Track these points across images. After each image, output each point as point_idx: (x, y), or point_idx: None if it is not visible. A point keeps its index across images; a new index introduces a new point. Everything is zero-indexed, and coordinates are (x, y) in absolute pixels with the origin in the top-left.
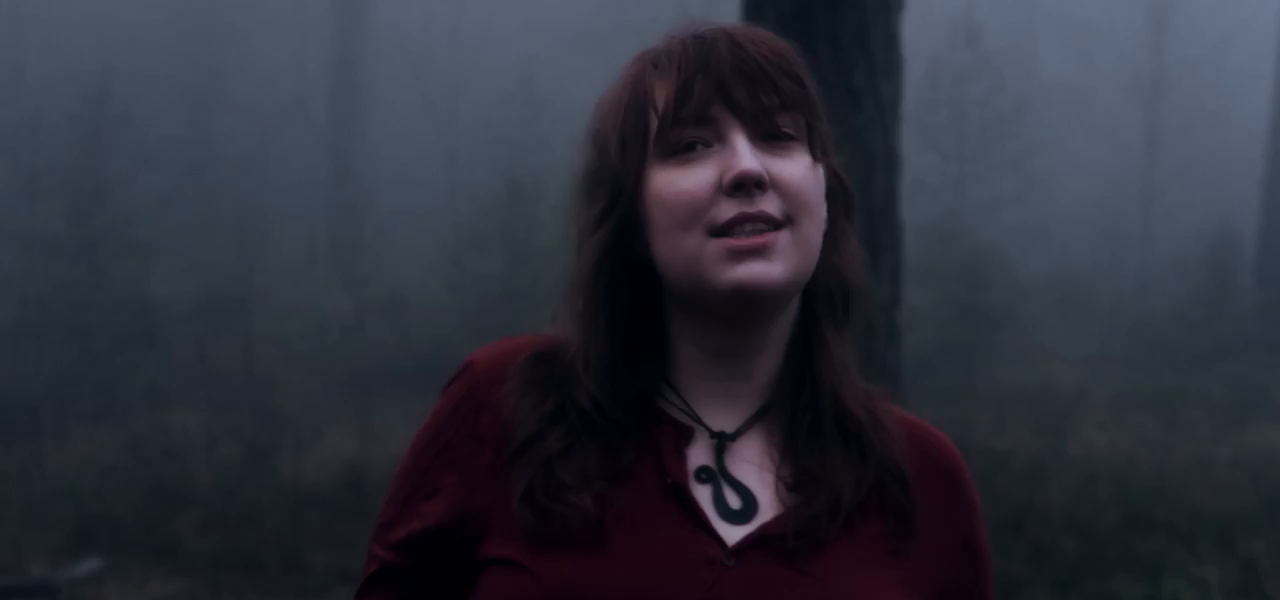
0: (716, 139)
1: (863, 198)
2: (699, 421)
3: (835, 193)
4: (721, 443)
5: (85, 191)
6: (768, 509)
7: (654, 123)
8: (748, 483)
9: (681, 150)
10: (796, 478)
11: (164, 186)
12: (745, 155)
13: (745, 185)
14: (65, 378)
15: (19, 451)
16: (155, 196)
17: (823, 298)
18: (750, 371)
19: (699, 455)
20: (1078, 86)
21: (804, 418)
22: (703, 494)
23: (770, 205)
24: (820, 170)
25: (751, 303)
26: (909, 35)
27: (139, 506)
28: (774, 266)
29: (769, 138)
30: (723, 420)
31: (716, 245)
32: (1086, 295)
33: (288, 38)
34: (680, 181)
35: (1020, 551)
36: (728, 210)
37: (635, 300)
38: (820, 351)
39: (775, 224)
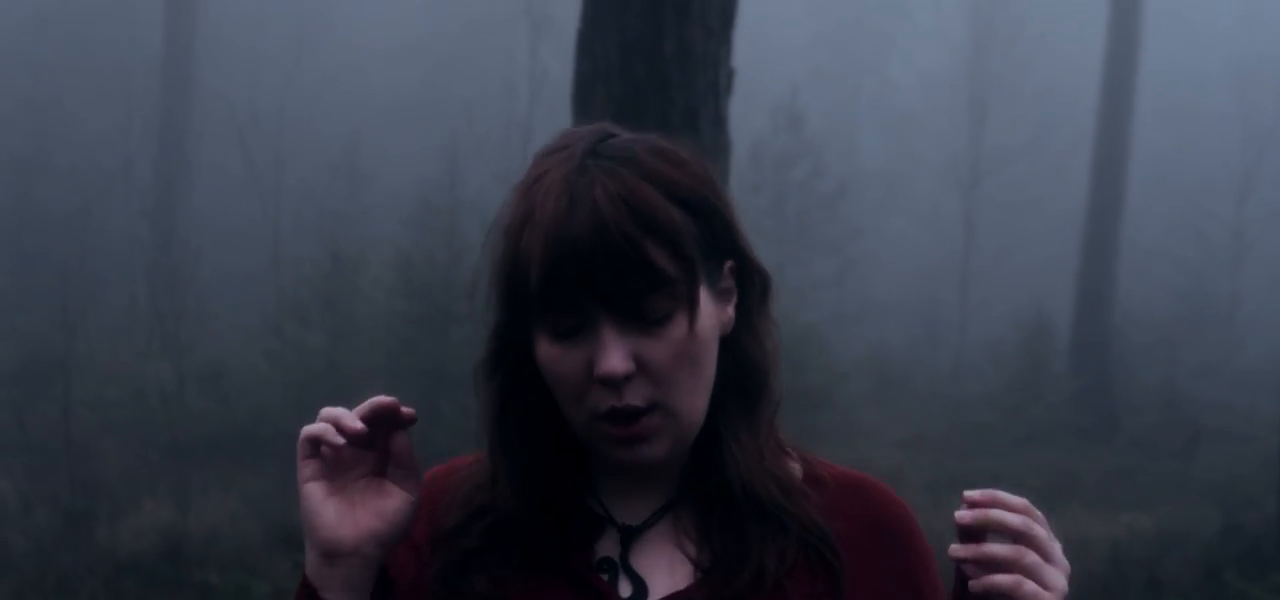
0: (587, 323)
1: None
2: (609, 516)
3: (745, 277)
4: (627, 536)
5: None
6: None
7: (532, 291)
8: (648, 573)
9: (558, 328)
10: (713, 563)
11: None
12: (610, 353)
13: (611, 383)
14: None
15: None
16: None
17: (728, 384)
18: (649, 469)
19: (606, 548)
20: (897, 173)
21: (715, 507)
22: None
23: (636, 395)
24: (701, 323)
25: (641, 472)
26: (732, 118)
27: None
28: (653, 447)
29: (639, 318)
30: (632, 512)
31: (601, 428)
32: (903, 379)
33: (112, 103)
34: (558, 365)
35: None
36: (603, 401)
37: (550, 405)
38: (727, 439)
39: (643, 413)
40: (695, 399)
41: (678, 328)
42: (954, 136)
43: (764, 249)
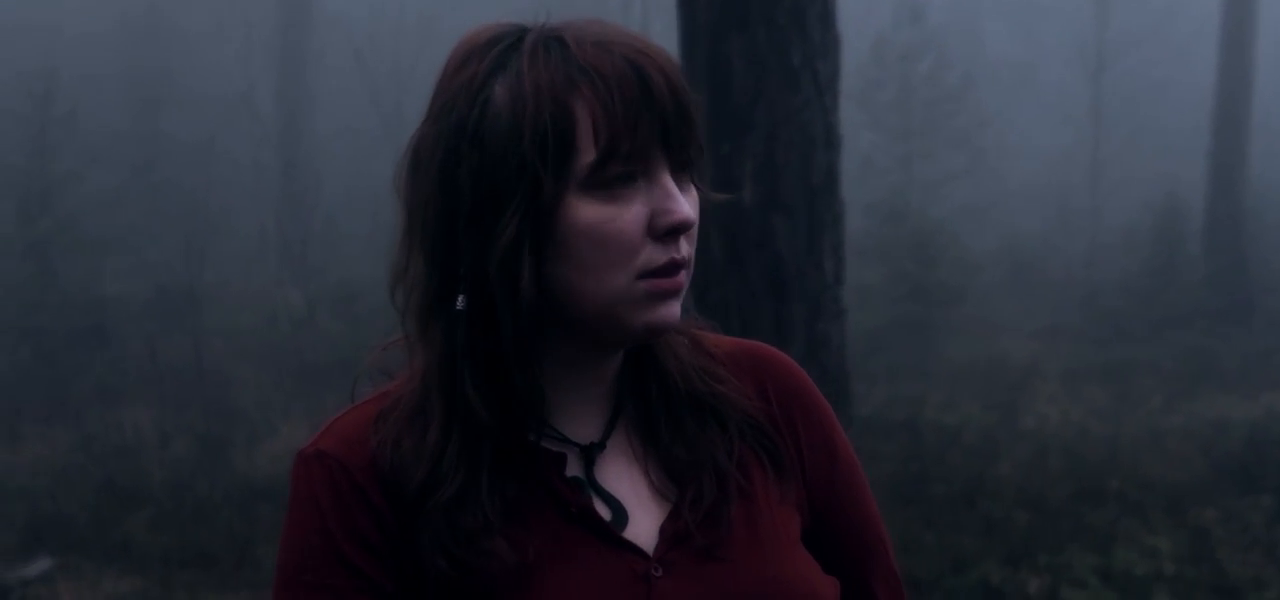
0: (643, 175)
1: (803, 177)
2: (565, 439)
3: None
4: (591, 455)
5: (33, 192)
6: (642, 511)
7: (583, 149)
8: (615, 489)
9: (614, 184)
10: (669, 470)
11: (112, 184)
12: (681, 202)
13: (679, 231)
14: (16, 378)
15: None
16: (103, 194)
17: None
18: (603, 374)
19: (570, 470)
20: (1023, 62)
21: (658, 411)
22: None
23: (686, 248)
24: None
25: (654, 339)
26: (853, 14)
27: (91, 505)
28: (678, 306)
29: (680, 173)
30: (582, 428)
31: (643, 287)
32: (1036, 269)
33: (233, 31)
34: (618, 220)
35: (972, 525)
36: (660, 255)
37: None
38: (660, 341)
39: (686, 264)
40: None
41: (695, 193)
42: (1079, 22)
43: (890, 145)
